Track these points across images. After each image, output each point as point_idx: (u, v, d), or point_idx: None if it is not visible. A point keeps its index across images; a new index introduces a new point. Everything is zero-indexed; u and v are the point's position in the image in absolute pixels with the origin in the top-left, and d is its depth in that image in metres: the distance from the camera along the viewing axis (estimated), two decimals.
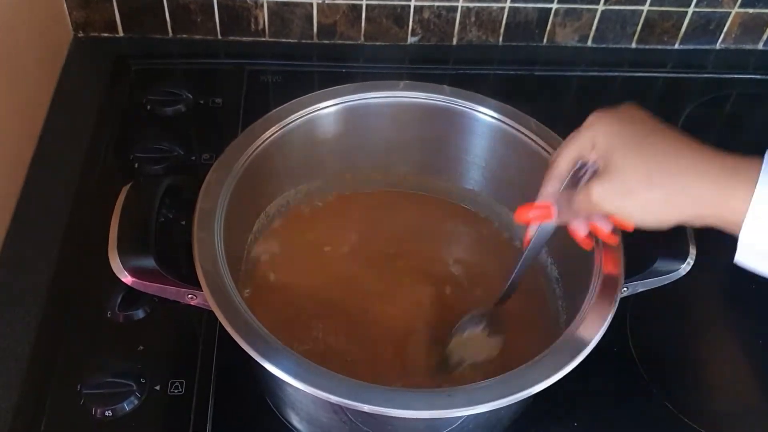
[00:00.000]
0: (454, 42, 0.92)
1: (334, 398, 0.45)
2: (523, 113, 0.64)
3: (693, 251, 0.54)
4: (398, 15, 0.89)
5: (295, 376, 0.45)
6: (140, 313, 0.62)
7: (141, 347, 0.60)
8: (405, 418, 0.46)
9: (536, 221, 0.53)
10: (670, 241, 0.54)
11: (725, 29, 0.93)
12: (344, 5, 0.87)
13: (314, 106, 0.63)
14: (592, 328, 0.50)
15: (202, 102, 0.82)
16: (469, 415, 0.48)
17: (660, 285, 0.55)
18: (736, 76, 0.94)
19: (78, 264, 0.65)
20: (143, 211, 0.53)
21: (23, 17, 0.75)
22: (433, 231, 0.70)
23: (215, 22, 0.88)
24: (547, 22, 0.91)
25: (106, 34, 0.89)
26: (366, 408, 0.45)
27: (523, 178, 0.65)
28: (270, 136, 0.61)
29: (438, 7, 0.88)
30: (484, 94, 0.65)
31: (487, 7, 0.89)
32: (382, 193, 0.71)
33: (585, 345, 0.49)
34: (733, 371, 0.66)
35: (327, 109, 0.64)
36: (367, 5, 0.87)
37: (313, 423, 0.56)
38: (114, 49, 0.88)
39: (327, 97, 0.64)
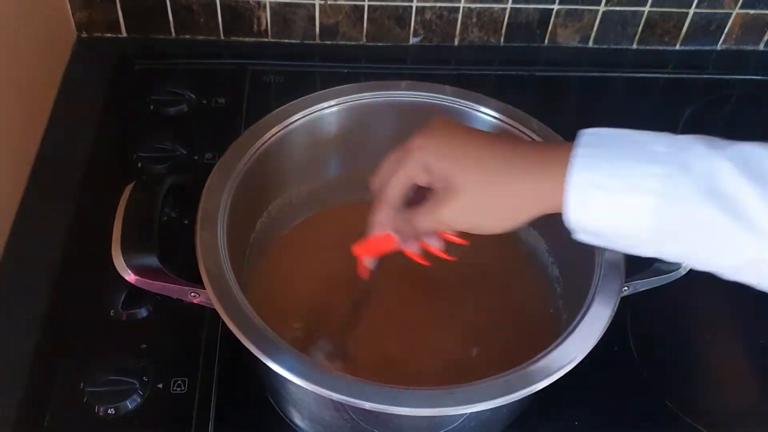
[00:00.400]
0: (456, 42, 0.93)
1: (335, 396, 0.45)
2: (525, 113, 0.64)
3: None
4: (400, 16, 0.89)
5: (297, 373, 0.46)
6: (143, 312, 0.62)
7: (144, 345, 0.61)
8: (406, 416, 0.46)
9: (378, 253, 0.52)
10: None
11: (726, 30, 0.94)
12: (346, 6, 0.88)
13: (316, 106, 0.63)
14: (593, 327, 0.50)
15: (204, 102, 0.82)
16: (470, 413, 0.49)
17: (660, 284, 0.55)
18: (737, 76, 0.94)
19: (81, 262, 0.66)
20: (146, 210, 0.53)
21: (27, 17, 0.75)
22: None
23: (218, 23, 0.89)
24: (549, 22, 0.91)
25: (109, 35, 0.89)
26: (367, 405, 0.45)
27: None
28: (272, 136, 0.61)
29: (440, 7, 0.88)
30: (485, 95, 0.65)
31: (489, 7, 0.89)
32: None
33: (586, 344, 0.49)
34: (733, 370, 0.66)
35: (329, 109, 0.64)
36: (369, 6, 0.88)
37: (315, 421, 0.56)
38: (117, 50, 0.88)
39: (329, 97, 0.64)
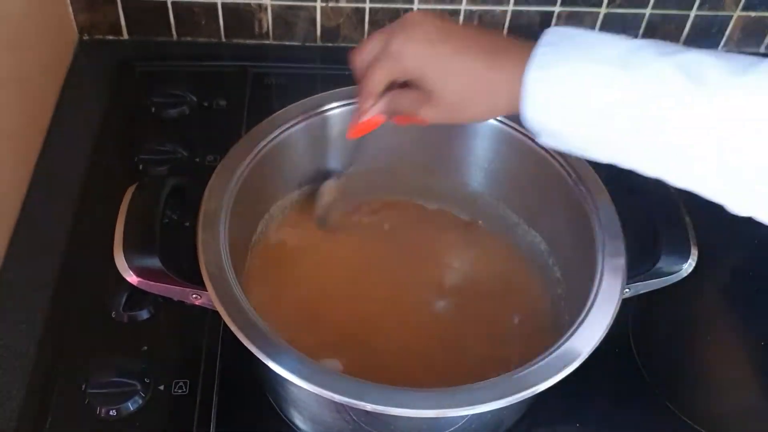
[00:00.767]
0: None
1: (337, 397, 0.45)
2: None
3: (694, 252, 0.54)
4: None
5: (299, 375, 0.46)
6: (145, 314, 0.62)
7: (145, 347, 0.61)
8: (408, 418, 0.46)
9: (370, 130, 0.56)
10: (672, 242, 0.55)
11: (727, 33, 0.94)
12: (347, 8, 0.88)
13: (318, 109, 0.64)
14: (594, 329, 0.50)
15: (206, 104, 0.82)
16: (472, 415, 0.49)
17: (662, 286, 0.55)
18: None
19: (83, 264, 0.66)
20: (149, 212, 0.53)
21: (29, 20, 0.75)
22: (437, 233, 0.70)
23: (219, 25, 0.89)
24: (550, 24, 0.91)
25: (110, 37, 0.89)
26: (369, 407, 0.45)
27: (525, 179, 0.65)
28: (274, 138, 0.61)
29: (441, 10, 0.89)
30: None
31: (490, 10, 0.89)
32: (385, 195, 0.71)
33: (587, 346, 0.49)
34: (734, 372, 0.66)
35: (331, 112, 0.64)
36: (370, 8, 0.88)
37: (317, 423, 0.56)
38: (119, 52, 0.88)
39: (330, 100, 0.64)
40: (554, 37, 0.45)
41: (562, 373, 0.47)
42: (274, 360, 0.46)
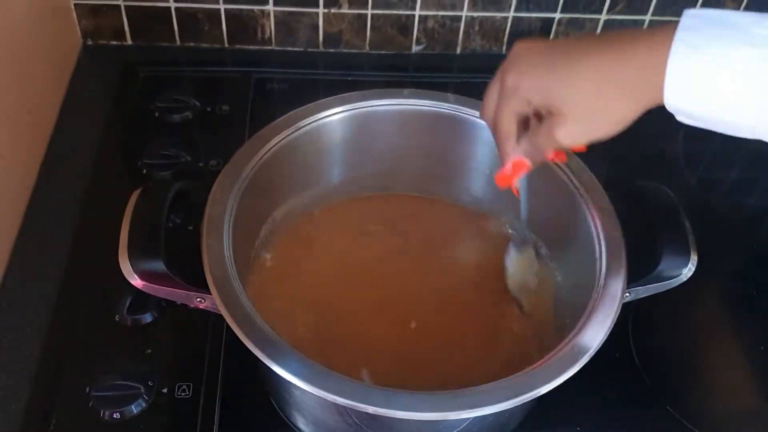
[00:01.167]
0: (458, 51, 0.93)
1: (340, 400, 0.45)
2: None
3: (694, 257, 0.54)
4: (403, 24, 0.90)
5: (302, 377, 0.46)
6: (148, 317, 0.63)
7: (149, 351, 0.61)
8: (410, 420, 0.47)
9: (517, 176, 0.54)
10: (672, 246, 0.55)
11: None
12: (349, 14, 0.88)
13: (320, 114, 0.64)
14: (595, 333, 0.50)
15: (209, 109, 0.83)
16: (474, 418, 0.49)
17: (662, 290, 0.55)
18: None
19: (87, 268, 0.66)
20: (153, 216, 0.53)
21: (34, 26, 0.76)
22: (439, 235, 0.70)
23: (222, 31, 0.89)
24: (550, 31, 0.92)
25: (114, 42, 0.90)
26: (371, 410, 0.45)
27: (526, 184, 0.65)
28: (277, 143, 0.62)
29: (442, 16, 0.89)
30: None
31: (491, 16, 0.90)
32: (387, 198, 0.72)
33: (588, 349, 0.49)
34: (734, 376, 0.66)
35: (332, 117, 0.65)
36: (372, 14, 0.88)
37: (319, 425, 0.57)
38: (122, 57, 0.89)
39: (332, 105, 0.64)
40: (693, 19, 0.43)
41: (562, 377, 0.48)
42: (277, 363, 0.46)
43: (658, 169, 0.84)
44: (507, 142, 0.52)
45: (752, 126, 0.43)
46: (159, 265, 0.51)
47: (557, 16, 0.90)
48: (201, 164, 0.76)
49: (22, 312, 0.63)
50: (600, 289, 0.53)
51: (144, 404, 0.57)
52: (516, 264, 0.64)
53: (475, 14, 0.89)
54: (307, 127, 0.64)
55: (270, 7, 0.87)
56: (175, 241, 0.54)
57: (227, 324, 0.49)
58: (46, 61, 0.79)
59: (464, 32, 0.91)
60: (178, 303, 0.52)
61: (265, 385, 0.60)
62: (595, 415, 0.61)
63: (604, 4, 0.89)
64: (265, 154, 0.61)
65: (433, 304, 0.64)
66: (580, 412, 0.61)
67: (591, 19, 0.91)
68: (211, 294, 0.50)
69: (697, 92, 0.42)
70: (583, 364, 0.48)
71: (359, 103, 0.65)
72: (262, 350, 0.47)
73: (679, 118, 0.45)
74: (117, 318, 0.62)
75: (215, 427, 0.57)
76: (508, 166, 0.53)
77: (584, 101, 0.47)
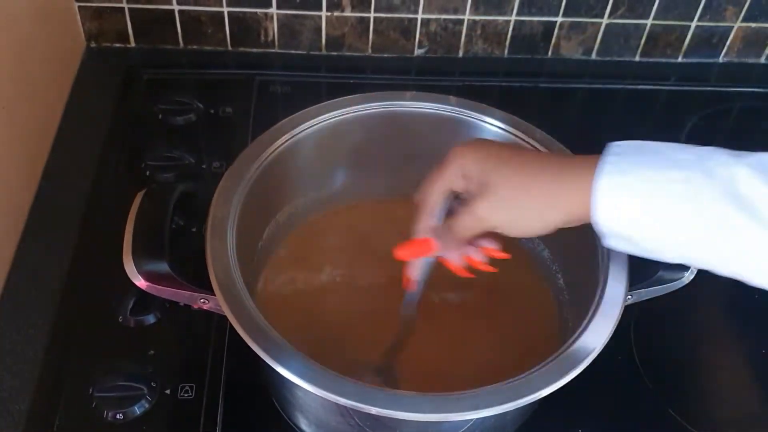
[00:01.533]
0: (460, 54, 0.94)
1: (342, 401, 0.46)
2: (529, 124, 0.65)
3: None
4: (405, 27, 0.90)
5: (305, 378, 0.46)
6: (151, 318, 0.63)
7: (152, 352, 0.61)
8: (412, 421, 0.47)
9: (418, 257, 0.54)
10: None
11: (728, 43, 0.94)
12: (352, 18, 0.89)
13: (323, 116, 0.64)
14: (597, 336, 0.50)
15: (212, 111, 0.83)
16: (476, 419, 0.49)
17: (664, 293, 0.55)
18: (738, 89, 0.95)
19: (90, 270, 0.66)
20: (157, 217, 0.54)
21: (37, 27, 0.76)
22: None
23: (225, 34, 0.90)
24: (552, 35, 0.92)
25: (118, 45, 0.90)
26: (374, 411, 0.45)
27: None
28: (280, 146, 0.62)
29: (444, 20, 0.89)
30: (489, 106, 0.66)
31: (493, 20, 0.90)
32: (390, 201, 0.72)
33: (590, 352, 0.49)
34: (736, 379, 0.66)
35: (335, 119, 0.65)
36: (374, 18, 0.89)
37: (322, 427, 0.57)
38: (126, 59, 0.89)
39: (335, 108, 0.65)
40: (618, 148, 0.45)
41: (564, 379, 0.48)
42: (281, 363, 0.47)
43: None
44: (425, 216, 0.52)
45: (674, 246, 0.44)
46: (163, 266, 0.51)
47: (559, 19, 0.90)
48: (204, 166, 0.76)
49: (26, 313, 0.63)
50: (602, 292, 0.53)
51: (147, 405, 0.58)
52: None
53: (477, 18, 0.89)
54: (310, 129, 0.64)
55: (273, 10, 0.87)
56: (179, 242, 0.54)
57: (230, 325, 0.49)
58: (49, 63, 0.80)
59: (466, 36, 0.91)
60: (182, 304, 0.53)
61: (268, 386, 0.60)
62: (596, 418, 0.62)
63: (605, 8, 0.89)
64: (268, 156, 0.61)
65: (439, 308, 0.65)
66: (581, 415, 0.61)
67: (593, 23, 0.91)
68: (214, 295, 0.50)
69: (620, 212, 0.44)
70: (585, 367, 0.48)
71: (362, 106, 0.65)
72: (266, 351, 0.47)
73: (608, 241, 0.47)
74: (120, 319, 0.63)
75: (218, 428, 0.58)
76: (417, 239, 0.53)
77: (515, 187, 0.48)
